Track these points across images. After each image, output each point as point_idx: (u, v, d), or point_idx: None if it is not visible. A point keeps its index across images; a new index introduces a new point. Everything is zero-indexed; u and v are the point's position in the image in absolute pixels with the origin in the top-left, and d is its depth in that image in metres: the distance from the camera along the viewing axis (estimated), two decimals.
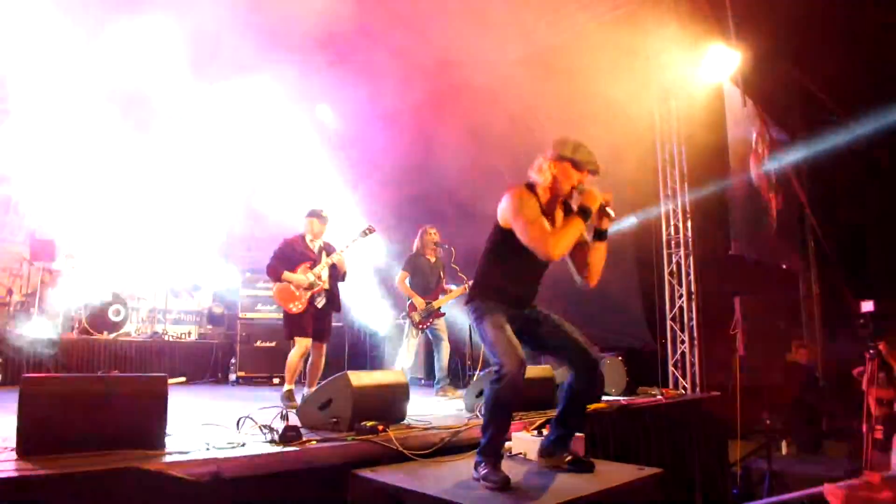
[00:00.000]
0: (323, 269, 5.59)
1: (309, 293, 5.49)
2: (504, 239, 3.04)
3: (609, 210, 3.01)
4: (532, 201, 3.01)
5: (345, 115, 10.13)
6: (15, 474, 2.29)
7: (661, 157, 8.22)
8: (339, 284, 5.81)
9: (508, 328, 2.95)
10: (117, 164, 9.16)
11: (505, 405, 2.89)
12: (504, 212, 3.03)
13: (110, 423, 2.74)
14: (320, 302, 5.57)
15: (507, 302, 3.07)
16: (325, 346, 5.64)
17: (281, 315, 5.66)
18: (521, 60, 8.00)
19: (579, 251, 3.11)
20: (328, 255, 5.67)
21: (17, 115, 8.66)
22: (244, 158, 9.99)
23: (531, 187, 3.09)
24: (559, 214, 3.16)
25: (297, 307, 5.46)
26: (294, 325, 5.48)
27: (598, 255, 3.10)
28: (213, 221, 10.59)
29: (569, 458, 3.08)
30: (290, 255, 5.61)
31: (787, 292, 10.98)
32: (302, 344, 5.44)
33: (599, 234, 3.08)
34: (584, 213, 2.96)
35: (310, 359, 5.59)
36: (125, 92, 8.40)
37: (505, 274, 3.09)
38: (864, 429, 4.82)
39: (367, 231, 5.86)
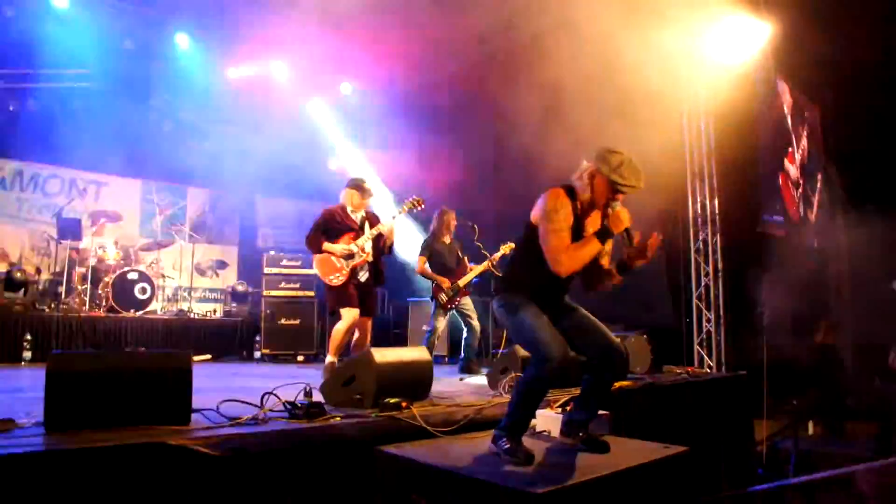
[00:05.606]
0: (366, 241, 5.31)
1: (351, 264, 5.22)
2: (536, 238, 2.92)
3: (631, 238, 2.88)
4: (566, 208, 2.87)
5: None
6: (42, 449, 2.33)
7: (688, 133, 8.03)
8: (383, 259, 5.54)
9: (546, 317, 2.88)
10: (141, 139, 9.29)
11: (540, 392, 2.86)
12: (537, 210, 2.93)
13: (136, 398, 2.78)
14: (363, 275, 5.31)
15: (537, 302, 2.96)
16: (370, 322, 5.40)
17: (303, 293, 5.58)
18: (542, 33, 7.86)
19: (590, 267, 2.99)
20: (372, 226, 5.38)
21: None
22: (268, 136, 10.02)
23: (570, 191, 2.94)
24: (595, 219, 3.01)
25: (338, 279, 5.19)
26: (338, 296, 5.21)
27: (608, 281, 3.05)
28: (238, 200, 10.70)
29: (584, 437, 3.04)
30: (331, 226, 5.34)
31: (816, 271, 10.76)
32: (349, 315, 5.12)
33: (622, 268, 2.99)
34: (603, 235, 2.85)
35: (355, 335, 5.29)
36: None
37: (537, 275, 2.94)
38: None
39: (416, 202, 5.57)
